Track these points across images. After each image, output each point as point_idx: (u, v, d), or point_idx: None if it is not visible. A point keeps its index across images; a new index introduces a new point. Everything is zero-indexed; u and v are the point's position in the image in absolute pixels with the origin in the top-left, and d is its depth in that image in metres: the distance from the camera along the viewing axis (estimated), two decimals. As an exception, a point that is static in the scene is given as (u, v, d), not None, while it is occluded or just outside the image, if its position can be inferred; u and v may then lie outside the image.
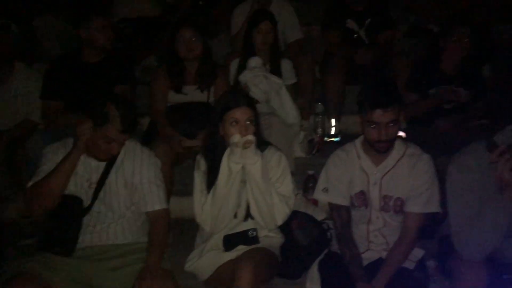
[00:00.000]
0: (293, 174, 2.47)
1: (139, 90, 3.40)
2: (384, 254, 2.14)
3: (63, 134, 2.36)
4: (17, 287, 1.90)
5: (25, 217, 2.89)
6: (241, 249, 2.15)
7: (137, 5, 4.07)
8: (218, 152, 2.14)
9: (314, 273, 2.19)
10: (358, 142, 2.20)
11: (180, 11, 4.14)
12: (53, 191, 2.07)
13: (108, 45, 2.96)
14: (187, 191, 2.29)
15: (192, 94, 2.93)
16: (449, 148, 2.42)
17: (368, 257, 2.15)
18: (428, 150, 2.19)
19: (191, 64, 2.94)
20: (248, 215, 2.18)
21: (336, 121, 3.36)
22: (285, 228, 2.27)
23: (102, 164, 2.16)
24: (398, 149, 2.14)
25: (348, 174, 2.17)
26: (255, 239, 2.17)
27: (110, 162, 2.17)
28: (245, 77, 2.99)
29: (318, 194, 2.24)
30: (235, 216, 2.17)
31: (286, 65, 3.18)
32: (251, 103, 2.17)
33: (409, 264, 2.12)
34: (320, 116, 3.35)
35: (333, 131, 3.37)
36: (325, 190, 2.20)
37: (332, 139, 3.36)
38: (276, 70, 3.10)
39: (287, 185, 2.20)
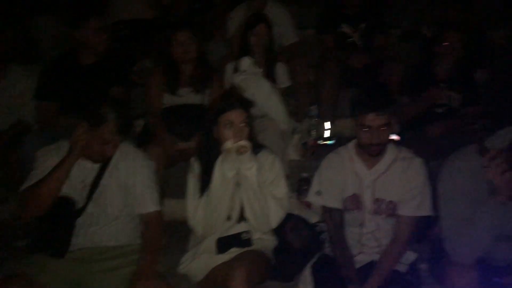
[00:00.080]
0: (287, 176, 2.48)
1: (134, 92, 3.40)
2: (376, 257, 2.15)
3: (57, 136, 2.34)
4: (9, 289, 1.89)
5: (18, 219, 2.87)
6: (234, 251, 2.15)
7: (133, 7, 4.06)
8: (212, 155, 2.14)
9: (307, 276, 2.19)
10: (351, 145, 2.21)
11: (176, 13, 4.14)
12: (44, 197, 2.03)
13: (103, 47, 2.96)
14: (181, 194, 2.29)
15: (187, 96, 2.93)
16: (441, 152, 2.44)
17: (360, 260, 2.16)
18: (420, 154, 2.20)
19: (187, 66, 2.95)
20: (241, 218, 2.18)
21: (330, 124, 3.37)
22: (278, 230, 2.27)
23: (96, 166, 2.16)
24: (390, 152, 2.16)
25: (341, 177, 2.18)
26: (248, 242, 2.17)
27: (104, 164, 2.16)
28: (237, 79, 3.00)
29: (311, 197, 2.26)
30: (229, 218, 2.17)
31: (280, 69, 3.19)
32: (246, 105, 2.17)
33: (401, 267, 2.13)
34: (314, 119, 3.36)
35: (327, 134, 3.38)
36: (318, 193, 2.21)
37: (326, 142, 3.36)
38: (270, 73, 3.11)
39: (281, 188, 2.20)
